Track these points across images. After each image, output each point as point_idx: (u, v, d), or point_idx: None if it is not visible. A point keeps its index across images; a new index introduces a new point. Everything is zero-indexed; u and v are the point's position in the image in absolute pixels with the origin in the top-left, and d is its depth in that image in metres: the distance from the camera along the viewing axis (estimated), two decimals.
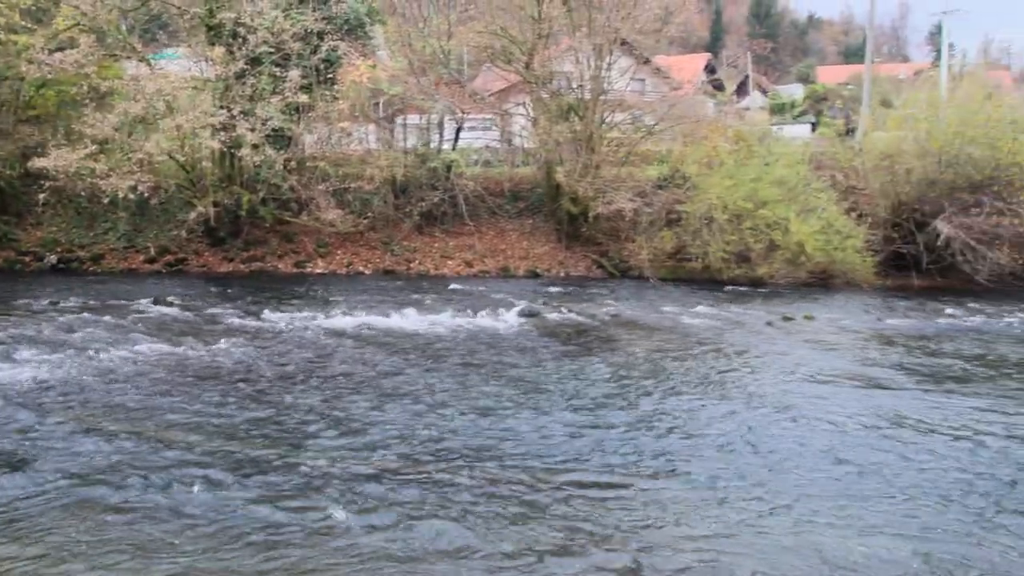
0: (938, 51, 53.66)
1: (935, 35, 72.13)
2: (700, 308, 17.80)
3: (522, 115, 27.82)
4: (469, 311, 16.09)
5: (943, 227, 22.64)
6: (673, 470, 7.55)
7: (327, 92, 22.87)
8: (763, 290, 21.37)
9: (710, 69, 62.18)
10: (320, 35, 22.19)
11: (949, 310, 19.04)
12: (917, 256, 23.30)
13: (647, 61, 31.62)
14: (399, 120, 26.93)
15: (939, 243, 22.70)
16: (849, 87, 55.26)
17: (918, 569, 5.75)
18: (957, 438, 8.83)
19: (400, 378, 10.79)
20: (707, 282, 22.18)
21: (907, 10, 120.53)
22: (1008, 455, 8.27)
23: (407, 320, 14.98)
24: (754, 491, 7.07)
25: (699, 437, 8.62)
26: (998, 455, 8.26)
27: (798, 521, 6.50)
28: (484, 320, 15.46)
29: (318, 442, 8.03)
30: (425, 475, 7.16)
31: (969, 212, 22.81)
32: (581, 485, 7.10)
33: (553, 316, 16.16)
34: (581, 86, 25.15)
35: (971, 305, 19.76)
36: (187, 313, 14.58)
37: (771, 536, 6.21)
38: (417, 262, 23.97)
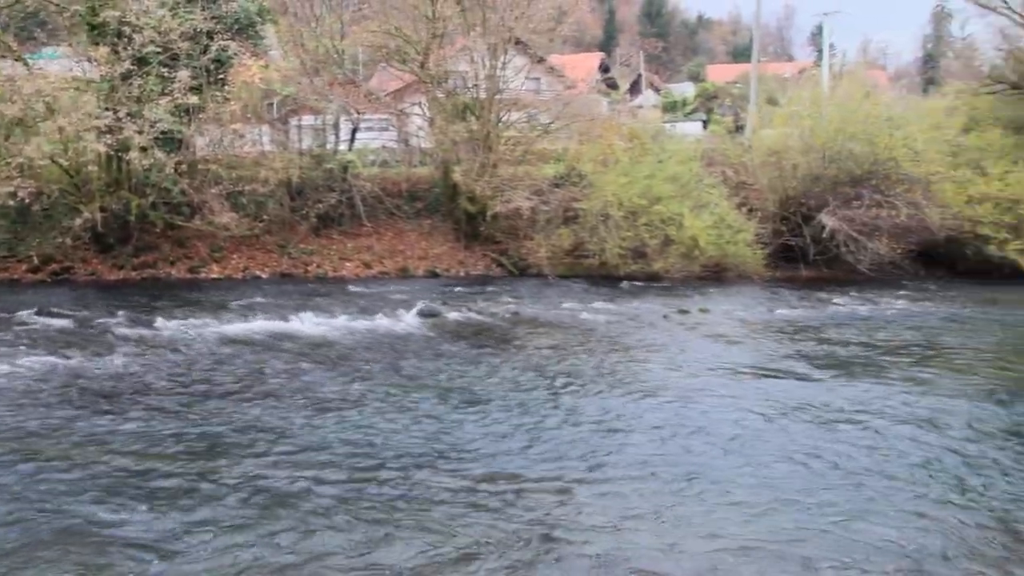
0: (820, 51, 55.66)
1: (817, 35, 74.74)
2: (598, 304, 18.10)
3: (419, 115, 27.75)
4: (369, 313, 15.97)
5: (827, 220, 23.59)
6: (583, 465, 7.63)
7: (218, 93, 22.32)
8: (659, 284, 21.85)
9: (604, 68, 62.98)
10: (209, 34, 21.64)
11: (835, 299, 19.83)
12: (804, 248, 24.22)
13: (541, 60, 31.91)
14: (294, 121, 26.52)
15: (824, 235, 23.65)
16: (738, 85, 56.78)
17: (824, 546, 5.98)
18: (848, 421, 9.23)
19: (300, 383, 10.64)
20: (605, 278, 22.55)
21: (792, 11, 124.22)
22: (900, 434, 8.67)
23: (306, 324, 14.76)
24: (659, 480, 7.24)
25: (605, 431, 8.75)
26: (889, 434, 8.66)
27: (706, 506, 6.69)
28: (384, 321, 15.36)
29: (219, 453, 7.84)
30: (329, 482, 7.08)
31: (851, 205, 23.82)
32: (488, 481, 7.13)
33: (453, 316, 16.19)
34: (477, 85, 25.25)
35: (854, 294, 20.63)
36: (75, 324, 14.02)
37: (680, 525, 6.35)
38: (315, 265, 23.64)
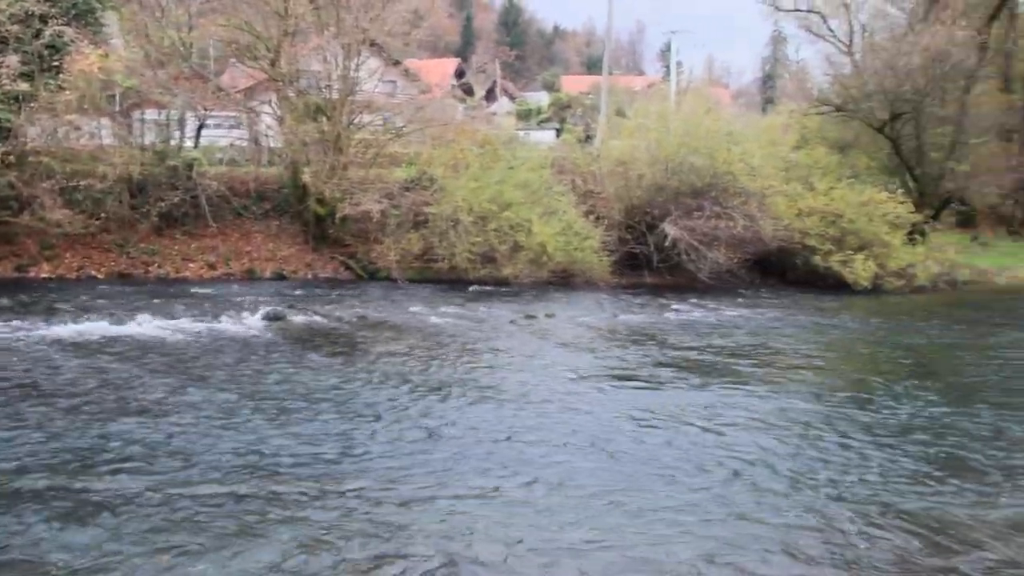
0: (668, 67, 57.82)
1: (666, 52, 77.70)
2: (447, 308, 18.21)
3: (269, 114, 27.17)
4: (211, 316, 15.56)
5: (670, 229, 24.51)
6: (423, 471, 7.64)
7: (52, 81, 21.24)
8: (508, 290, 22.18)
9: (460, 74, 63.31)
10: (43, 18, 20.58)
11: (675, 305, 20.61)
12: (648, 256, 25.11)
13: (397, 63, 31.83)
14: (136, 115, 25.49)
15: (667, 244, 24.57)
16: (590, 96, 58.14)
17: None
18: (686, 422, 9.60)
19: (136, 391, 10.20)
20: (454, 282, 22.71)
21: (643, 27, 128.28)
22: (732, 433, 9.11)
23: (144, 327, 14.24)
24: (500, 485, 7.36)
25: (446, 436, 8.78)
26: (723, 434, 9.09)
27: (545, 508, 6.84)
28: (227, 325, 15.00)
29: (45, 464, 7.43)
30: (166, 493, 6.86)
31: (692, 216, 24.82)
32: (319, 488, 7.07)
33: (299, 319, 15.97)
34: (329, 86, 24.95)
35: (694, 300, 21.50)
36: None
37: (519, 527, 6.46)
38: (156, 265, 22.80)
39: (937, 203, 33.64)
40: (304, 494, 6.91)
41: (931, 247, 29.91)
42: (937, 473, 8.02)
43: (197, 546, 5.86)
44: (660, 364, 13.27)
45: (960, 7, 35.06)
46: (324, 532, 6.18)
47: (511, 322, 17.02)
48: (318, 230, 24.60)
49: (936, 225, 32.50)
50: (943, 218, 35.52)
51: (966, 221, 40.10)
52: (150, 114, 25.42)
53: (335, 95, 24.69)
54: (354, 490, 7.08)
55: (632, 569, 5.82)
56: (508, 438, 8.74)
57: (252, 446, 8.14)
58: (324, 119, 24.40)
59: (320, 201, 23.80)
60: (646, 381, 11.97)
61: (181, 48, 25.83)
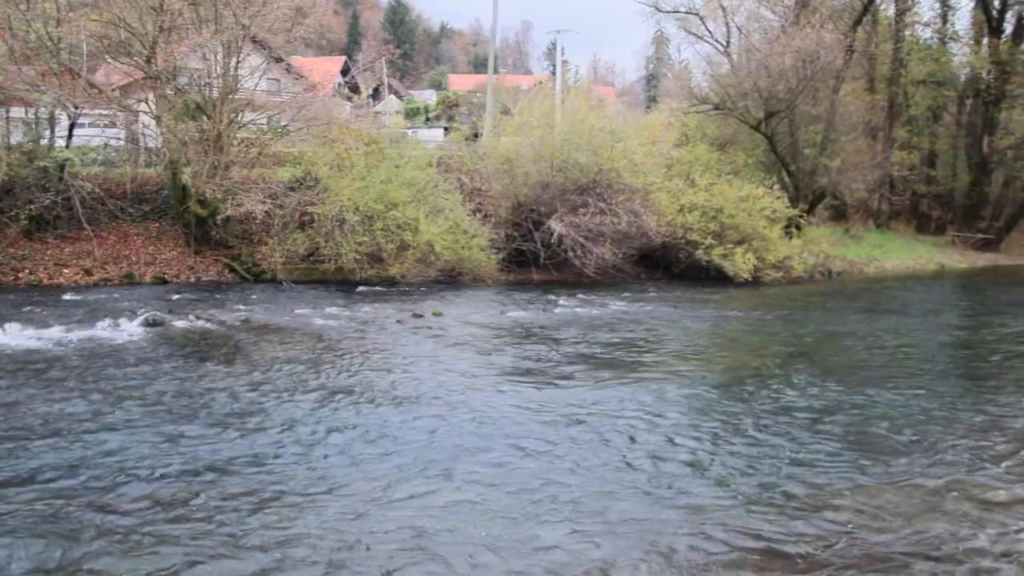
0: (555, 66, 58.49)
1: (552, 51, 78.58)
2: (333, 310, 18.03)
3: (146, 112, 26.31)
4: (87, 323, 15.01)
5: (556, 226, 24.84)
6: (320, 476, 7.53)
7: None
8: (396, 289, 22.10)
9: (347, 72, 62.68)
10: None
11: (562, 301, 20.88)
12: (536, 253, 25.37)
13: (280, 60, 31.27)
14: (0, 112, 24.31)
15: (553, 240, 24.88)
16: (477, 95, 58.44)
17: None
18: (572, 417, 9.70)
19: (2, 406, 9.79)
20: (341, 283, 22.49)
21: (529, 26, 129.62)
22: (622, 427, 9.28)
23: (11, 337, 13.63)
24: (384, 487, 7.33)
25: (330, 441, 8.67)
26: (611, 427, 9.25)
27: (431, 508, 6.84)
28: (104, 332, 14.49)
29: None
30: (40, 510, 6.62)
31: (578, 212, 25.21)
32: (194, 498, 6.93)
33: (180, 324, 15.54)
34: (209, 84, 24.34)
35: (581, 296, 21.83)
36: None
37: (402, 528, 6.49)
38: (27, 271, 21.81)
39: (811, 198, 35.08)
40: (184, 503, 6.77)
41: (806, 240, 31.27)
42: (821, 449, 8.41)
43: (72, 560, 5.69)
44: (549, 360, 13.44)
45: (827, 12, 36.69)
46: (210, 542, 6.07)
47: (398, 322, 16.96)
48: (200, 232, 23.97)
49: (811, 219, 33.94)
50: (817, 212, 37.13)
51: (839, 215, 42.04)
52: (15, 112, 24.27)
53: (215, 93, 24.10)
54: (237, 496, 6.96)
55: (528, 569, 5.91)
56: (396, 439, 8.70)
57: (126, 457, 7.90)
58: (204, 118, 23.79)
59: (201, 202, 23.20)
60: (535, 377, 12.09)
61: (49, 43, 24.74)
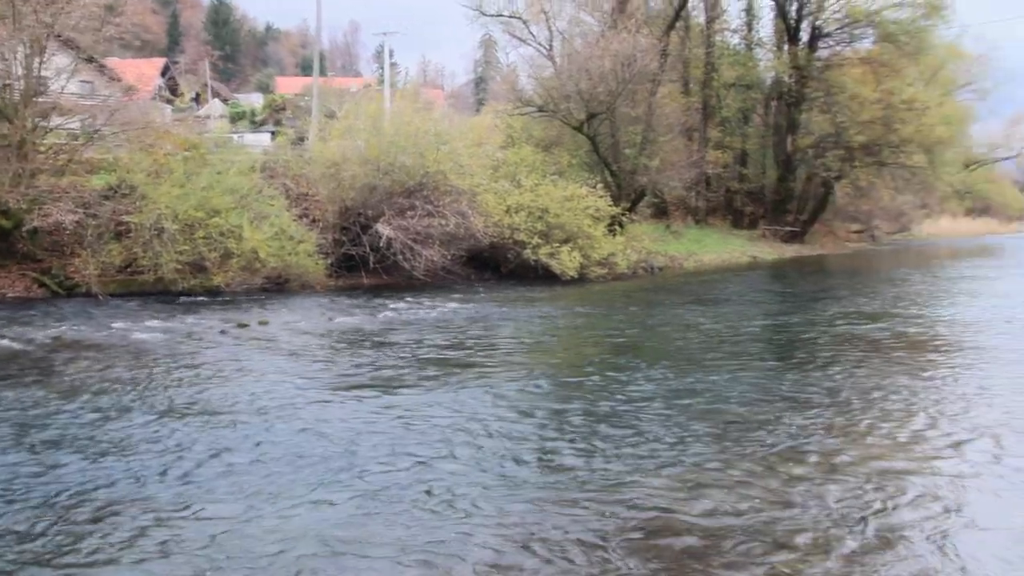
0: (383, 68, 58.34)
1: (381, 53, 78.27)
2: (154, 322, 17.39)
3: None
4: None
5: (384, 229, 24.82)
6: (122, 495, 7.28)
7: None
8: (221, 299, 21.51)
9: (167, 74, 60.37)
10: None
11: (392, 304, 20.93)
12: (365, 257, 25.23)
13: (91, 60, 29.77)
14: None
15: (382, 244, 24.83)
16: (306, 98, 57.58)
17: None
18: (407, 422, 9.78)
19: None
20: (162, 294, 21.67)
21: (358, 27, 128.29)
22: (453, 429, 9.43)
23: None
24: (209, 502, 7.22)
25: (157, 459, 8.38)
26: (446, 428, 9.40)
27: (255, 522, 6.80)
28: None
29: None
30: None
31: (405, 215, 25.27)
32: (46, 529, 6.66)
33: None
34: (9, 85, 22.92)
35: (411, 299, 21.93)
36: None
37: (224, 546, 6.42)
38: None
39: (633, 196, 36.49)
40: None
41: (630, 237, 32.54)
42: (657, 432, 8.87)
43: None
44: (381, 365, 13.45)
45: (642, 17, 38.33)
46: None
47: (222, 332, 16.56)
48: (5, 245, 22.49)
49: (633, 216, 35.31)
50: (640, 210, 38.68)
51: (660, 212, 43.94)
52: None
53: (17, 96, 22.72)
54: (53, 523, 6.71)
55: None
56: (218, 456, 8.49)
57: None
58: (5, 123, 22.38)
59: (4, 213, 21.81)
60: (368, 383, 12.03)
61: None
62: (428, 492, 7.33)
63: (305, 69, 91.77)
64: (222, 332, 16.58)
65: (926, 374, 12.63)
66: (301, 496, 7.23)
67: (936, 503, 7.12)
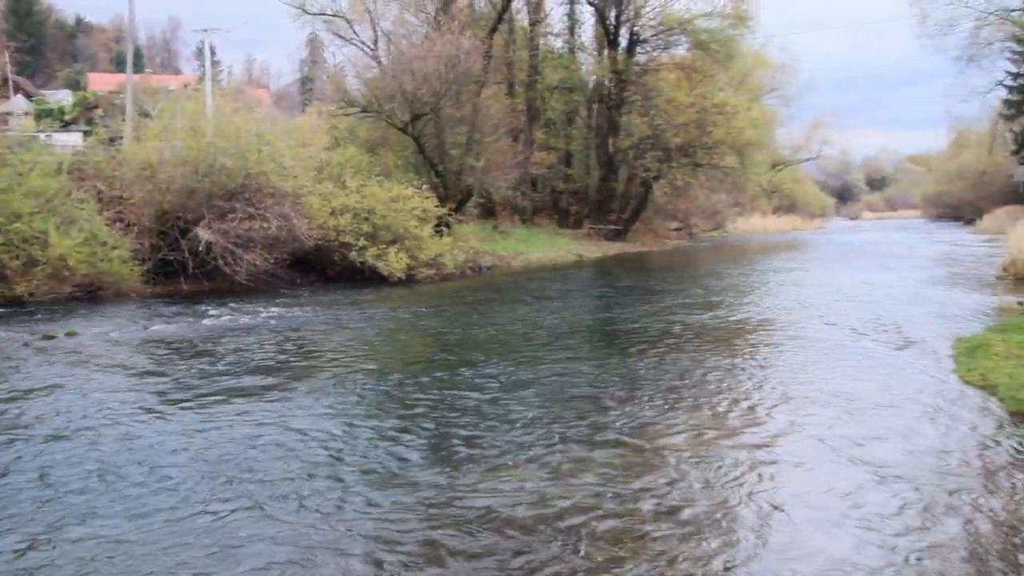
0: (204, 66, 56.43)
1: (202, 50, 75.58)
2: None
3: None
4: None
5: (204, 233, 24.11)
6: None
7: None
8: (24, 310, 20.25)
9: None
10: None
11: (212, 311, 20.35)
12: (184, 262, 24.39)
13: None
14: None
15: (201, 249, 24.11)
16: (120, 96, 54.89)
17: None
18: (229, 436, 9.60)
19: None
20: None
21: (178, 23, 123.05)
22: (287, 438, 9.37)
23: None
24: (58, 528, 6.93)
25: None
26: (271, 440, 9.32)
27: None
28: None
29: None
30: None
31: (226, 218, 24.63)
32: None
33: None
34: None
35: (233, 305, 21.39)
36: None
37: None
38: None
39: (460, 196, 36.87)
40: None
41: (457, 237, 32.87)
42: (503, 420, 9.11)
43: None
44: (196, 375, 13.10)
45: (466, 19, 38.79)
46: None
47: (25, 345, 15.68)
48: None
49: (460, 217, 35.69)
50: (467, 210, 39.12)
51: (487, 212, 44.59)
52: None
53: None
54: None
55: None
56: (43, 479, 8.11)
57: None
58: None
59: None
60: (187, 396, 11.61)
61: None
62: (234, 508, 7.34)
63: (119, 65, 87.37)
64: (25, 345, 15.71)
65: (743, 356, 14.22)
66: (108, 517, 7.09)
67: (751, 472, 7.99)
